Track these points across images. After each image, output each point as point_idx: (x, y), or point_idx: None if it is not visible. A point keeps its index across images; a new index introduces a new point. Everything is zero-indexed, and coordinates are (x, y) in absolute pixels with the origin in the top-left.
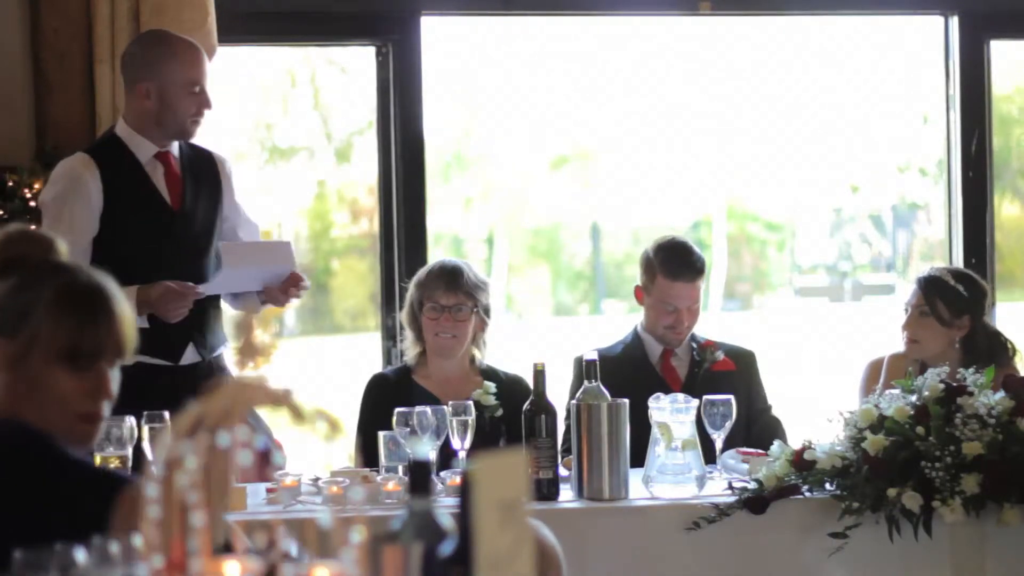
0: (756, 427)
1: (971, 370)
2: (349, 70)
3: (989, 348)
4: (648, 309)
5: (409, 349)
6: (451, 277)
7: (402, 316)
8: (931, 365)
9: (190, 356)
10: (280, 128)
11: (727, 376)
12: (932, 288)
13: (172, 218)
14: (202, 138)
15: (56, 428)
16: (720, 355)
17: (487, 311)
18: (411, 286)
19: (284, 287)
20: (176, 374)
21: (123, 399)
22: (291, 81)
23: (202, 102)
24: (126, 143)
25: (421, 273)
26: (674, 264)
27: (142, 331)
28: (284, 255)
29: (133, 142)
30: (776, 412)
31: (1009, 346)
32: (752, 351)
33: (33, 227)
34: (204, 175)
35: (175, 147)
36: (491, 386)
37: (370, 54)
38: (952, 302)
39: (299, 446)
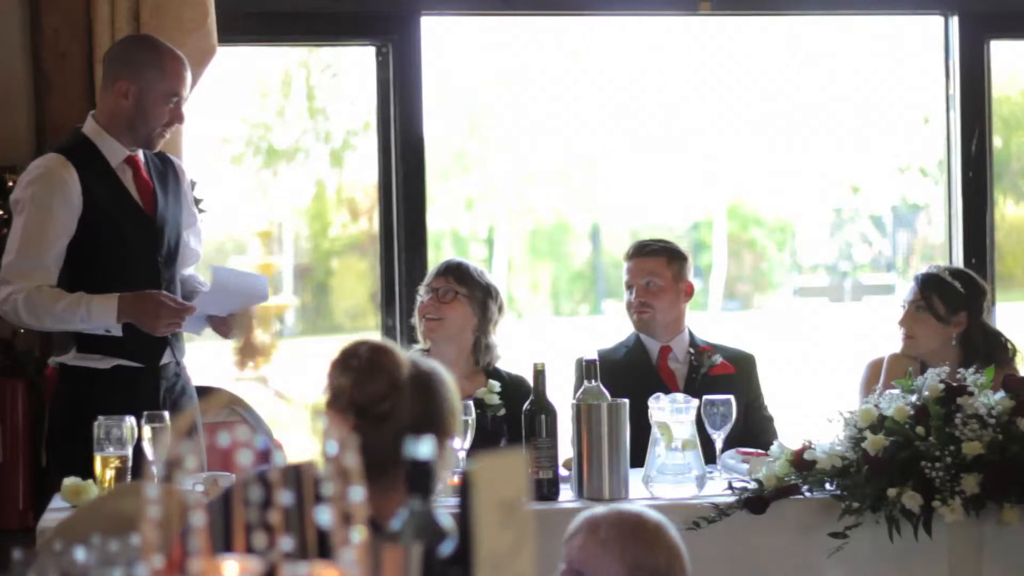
0: (747, 425)
1: (971, 370)
2: (347, 71)
3: (987, 347)
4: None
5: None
6: (448, 266)
7: (415, 320)
8: (929, 363)
9: (166, 358)
10: (278, 129)
11: (726, 380)
12: (929, 284)
13: (147, 223)
14: (202, 138)
15: None
16: (717, 359)
17: (484, 309)
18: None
19: (232, 322)
20: (151, 374)
21: (110, 400)
22: (289, 82)
23: (175, 115)
24: (96, 144)
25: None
26: (630, 247)
27: (121, 336)
28: (261, 291)
29: (103, 143)
30: (770, 411)
31: (1009, 347)
32: (752, 355)
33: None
34: (169, 181)
35: (140, 151)
36: (496, 385)
37: (370, 54)
38: (948, 298)
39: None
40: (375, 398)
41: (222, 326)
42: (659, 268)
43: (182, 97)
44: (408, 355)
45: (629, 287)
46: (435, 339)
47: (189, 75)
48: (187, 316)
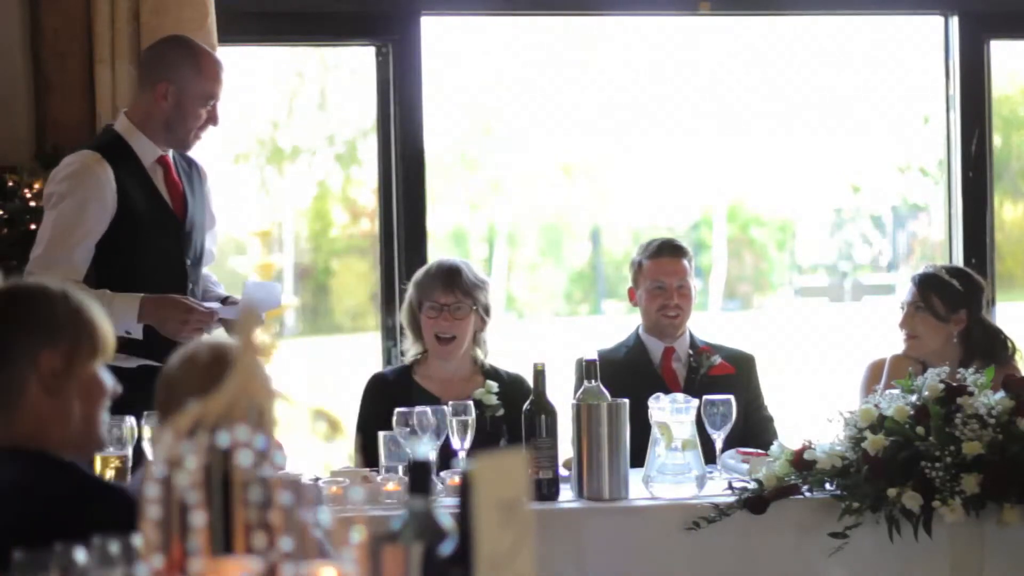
0: (747, 425)
1: (971, 370)
2: (351, 72)
3: (987, 343)
4: (641, 301)
5: (409, 349)
6: (449, 276)
7: (401, 317)
8: (931, 363)
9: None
10: (283, 128)
11: (726, 380)
12: (927, 284)
13: (177, 226)
14: (205, 138)
15: (82, 438)
16: (717, 360)
17: (487, 310)
18: (410, 286)
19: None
20: None
21: (128, 399)
22: (294, 82)
23: (212, 117)
24: (129, 143)
25: (419, 273)
26: (655, 246)
27: (145, 334)
28: (276, 298)
29: (136, 143)
30: (770, 411)
31: (1009, 344)
32: (752, 355)
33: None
34: (194, 183)
35: (170, 152)
36: (493, 385)
37: (370, 54)
38: (947, 297)
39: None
40: None
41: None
42: (687, 269)
43: (218, 98)
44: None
45: (659, 288)
46: (451, 357)
47: (223, 78)
48: (211, 324)
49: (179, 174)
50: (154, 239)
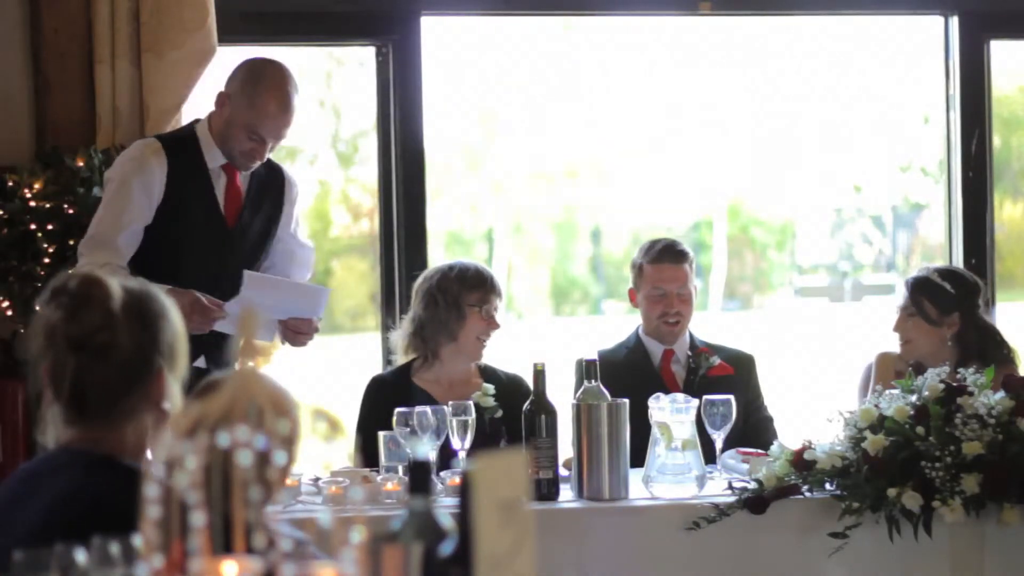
0: (747, 425)
1: (971, 370)
2: (351, 71)
3: (982, 345)
4: (642, 305)
5: (401, 353)
6: (493, 282)
7: (420, 314)
8: (927, 364)
9: (199, 363)
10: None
11: (726, 380)
12: (918, 288)
13: (225, 232)
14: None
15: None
16: (716, 361)
17: None
18: (445, 288)
19: (298, 327)
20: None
21: None
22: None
23: (255, 150)
24: (200, 142)
25: (459, 274)
26: (657, 250)
27: None
28: (315, 302)
29: (207, 143)
30: (770, 411)
31: (1000, 339)
32: (751, 355)
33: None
34: (269, 194)
35: None
36: (490, 388)
37: (370, 54)
38: (939, 301)
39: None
40: (90, 330)
41: (289, 334)
42: (688, 274)
43: (262, 136)
44: (118, 282)
45: (660, 294)
46: (481, 356)
47: (280, 121)
48: (217, 317)
49: (250, 184)
50: (196, 238)
